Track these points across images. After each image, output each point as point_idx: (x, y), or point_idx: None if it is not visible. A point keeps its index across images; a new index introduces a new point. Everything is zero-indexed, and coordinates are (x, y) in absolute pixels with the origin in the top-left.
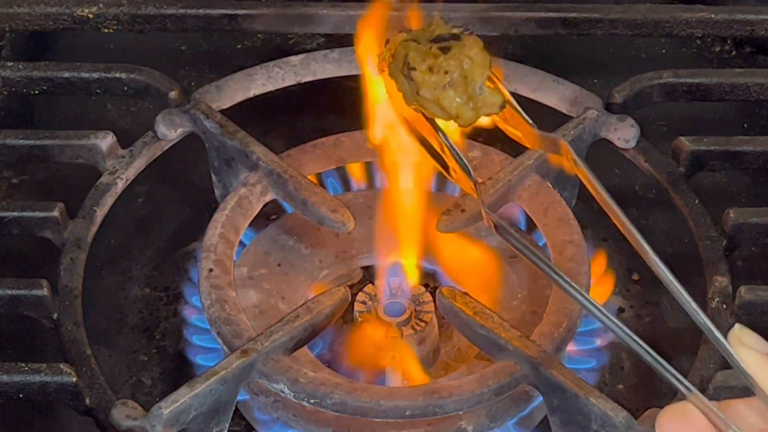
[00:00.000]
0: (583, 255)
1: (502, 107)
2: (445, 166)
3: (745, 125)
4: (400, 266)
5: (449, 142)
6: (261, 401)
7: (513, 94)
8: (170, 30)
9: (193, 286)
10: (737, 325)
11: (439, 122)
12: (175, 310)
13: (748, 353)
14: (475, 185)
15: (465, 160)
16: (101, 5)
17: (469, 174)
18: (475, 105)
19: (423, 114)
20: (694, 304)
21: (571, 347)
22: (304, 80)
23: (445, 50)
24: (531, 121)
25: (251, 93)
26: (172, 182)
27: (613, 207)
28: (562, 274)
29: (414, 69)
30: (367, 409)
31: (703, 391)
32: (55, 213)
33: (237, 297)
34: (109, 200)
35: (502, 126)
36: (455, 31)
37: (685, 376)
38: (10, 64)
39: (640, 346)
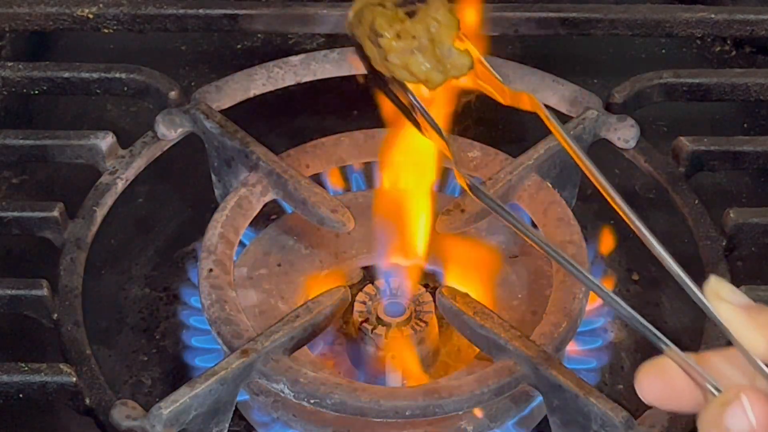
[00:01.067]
0: (583, 255)
1: (471, 68)
2: (418, 125)
3: (745, 125)
4: (400, 266)
5: (419, 104)
6: (261, 401)
7: None
8: (170, 30)
9: (193, 287)
10: (713, 278)
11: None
12: (175, 310)
13: (725, 306)
14: (446, 143)
15: (433, 119)
16: (101, 5)
17: (439, 133)
18: (444, 68)
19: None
20: (670, 260)
21: (571, 347)
22: (304, 80)
23: (411, 14)
24: (500, 78)
25: (251, 93)
26: (172, 182)
27: (594, 172)
28: (537, 234)
29: (381, 36)
30: (367, 409)
31: None
32: (55, 213)
33: (237, 297)
34: (109, 200)
35: (475, 83)
36: None
37: None
38: (10, 64)
39: (613, 298)
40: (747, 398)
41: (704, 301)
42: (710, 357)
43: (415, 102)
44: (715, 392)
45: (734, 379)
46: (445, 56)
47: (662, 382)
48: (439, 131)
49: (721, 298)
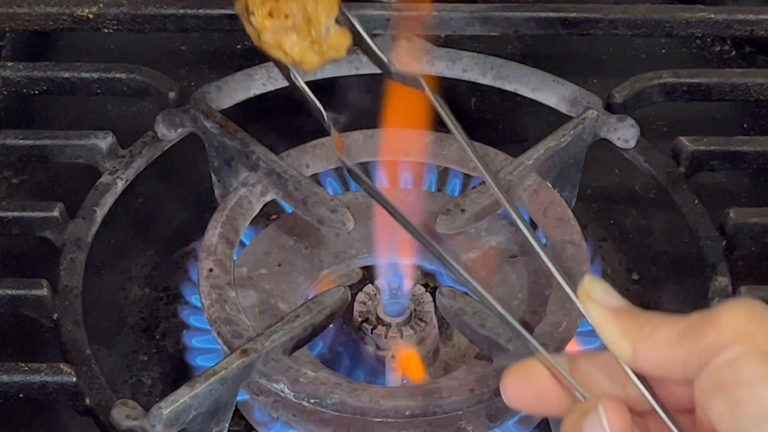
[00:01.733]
0: (583, 255)
1: (350, 49)
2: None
3: (745, 125)
4: (400, 266)
5: (302, 84)
6: (261, 401)
7: (513, 94)
8: (170, 30)
9: (193, 286)
10: (587, 278)
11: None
12: (175, 310)
13: (594, 309)
14: (329, 129)
15: (316, 102)
16: (101, 5)
17: (321, 117)
18: (320, 48)
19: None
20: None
21: (571, 347)
22: (304, 80)
23: None
24: (387, 60)
25: (251, 93)
26: (172, 182)
27: (462, 140)
28: (408, 219)
29: (252, 14)
30: (367, 409)
31: None
32: (55, 213)
33: (237, 297)
34: (109, 200)
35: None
36: None
37: None
38: (10, 64)
39: (482, 294)
40: (604, 408)
41: (576, 302)
42: (581, 361)
43: (297, 82)
44: (582, 399)
45: (602, 385)
46: (322, 36)
47: (528, 386)
48: (322, 115)
49: (592, 300)
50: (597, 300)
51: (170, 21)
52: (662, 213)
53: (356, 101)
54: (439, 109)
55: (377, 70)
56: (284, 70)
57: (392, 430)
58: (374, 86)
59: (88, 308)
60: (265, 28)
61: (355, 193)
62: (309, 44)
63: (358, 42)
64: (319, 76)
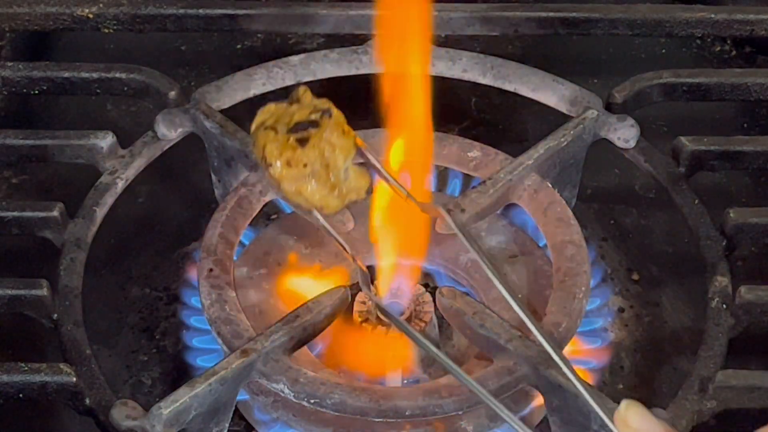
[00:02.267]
0: (583, 255)
1: (370, 190)
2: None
3: (745, 125)
4: (400, 266)
5: (324, 223)
6: (261, 401)
7: (513, 94)
8: (170, 30)
9: (193, 287)
10: (623, 403)
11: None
12: (175, 310)
13: None
14: (354, 261)
15: (340, 239)
16: (101, 5)
17: (346, 252)
18: (340, 192)
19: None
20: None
21: (571, 347)
22: (304, 80)
23: (302, 141)
24: (406, 192)
25: (251, 93)
26: (172, 182)
27: (485, 268)
28: (442, 355)
29: (271, 165)
30: (367, 409)
31: (703, 391)
32: (55, 213)
33: (237, 297)
34: (109, 200)
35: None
36: (314, 117)
37: (685, 377)
38: (10, 64)
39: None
40: None
41: (612, 428)
42: None
43: (324, 224)
44: None
45: None
46: (341, 179)
47: None
48: (345, 249)
49: (629, 427)
50: (635, 427)
51: (170, 21)
52: (662, 213)
53: (357, 101)
54: (462, 237)
55: (377, 70)
56: (305, 211)
57: (392, 430)
58: (374, 86)
59: (88, 308)
60: (284, 178)
61: None
62: (329, 189)
63: (377, 173)
64: (319, 76)
